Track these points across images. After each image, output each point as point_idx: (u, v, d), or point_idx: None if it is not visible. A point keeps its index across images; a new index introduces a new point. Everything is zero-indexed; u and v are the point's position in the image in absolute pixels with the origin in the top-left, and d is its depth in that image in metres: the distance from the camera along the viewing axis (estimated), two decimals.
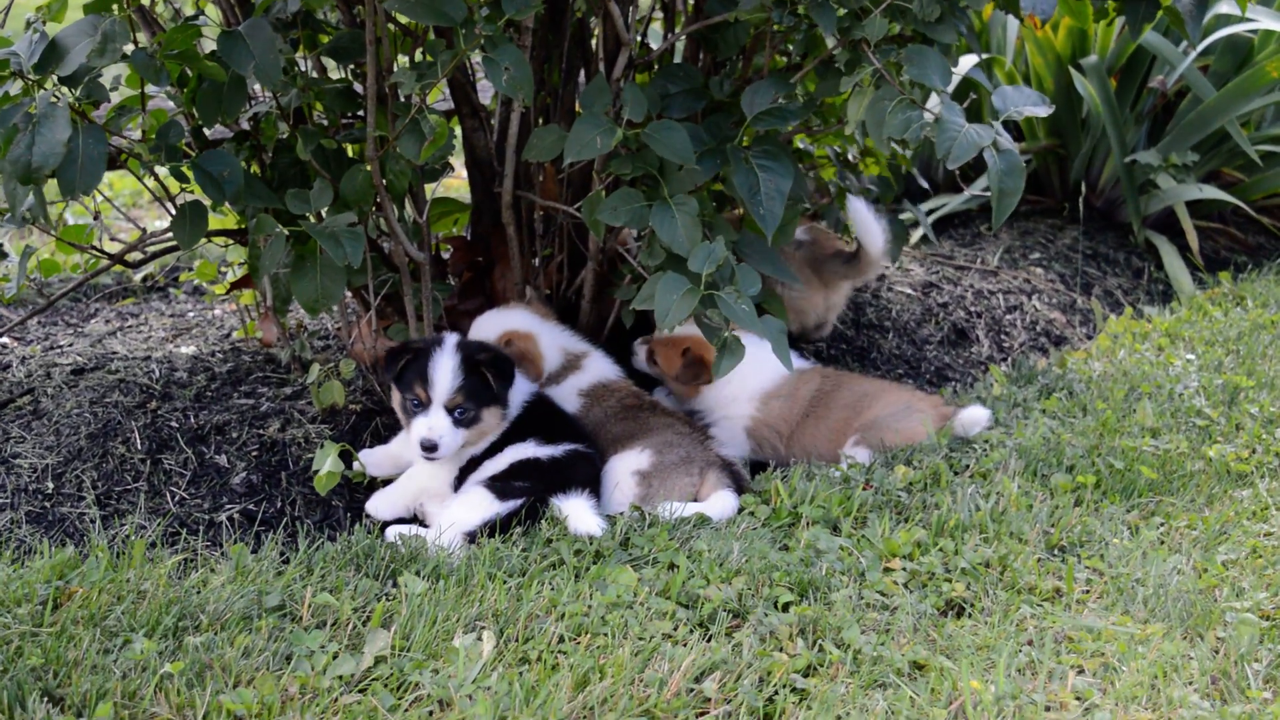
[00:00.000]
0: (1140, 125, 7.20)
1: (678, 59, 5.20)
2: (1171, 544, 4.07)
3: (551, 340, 4.65)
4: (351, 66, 4.63)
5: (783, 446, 4.75)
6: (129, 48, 3.83)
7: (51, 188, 5.39)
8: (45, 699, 3.10)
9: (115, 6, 3.88)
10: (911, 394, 4.81)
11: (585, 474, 4.25)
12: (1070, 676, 3.34)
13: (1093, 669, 3.40)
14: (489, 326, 4.64)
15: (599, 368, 4.69)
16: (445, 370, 4.11)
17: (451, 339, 4.17)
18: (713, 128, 4.40)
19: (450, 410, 4.12)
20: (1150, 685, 3.32)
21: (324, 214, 4.21)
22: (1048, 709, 3.24)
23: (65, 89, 3.79)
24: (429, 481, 4.24)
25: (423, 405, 4.13)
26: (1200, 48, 6.97)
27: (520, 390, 4.33)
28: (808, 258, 5.31)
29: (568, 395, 4.60)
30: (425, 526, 4.13)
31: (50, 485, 4.16)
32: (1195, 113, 6.94)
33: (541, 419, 4.35)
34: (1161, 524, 4.19)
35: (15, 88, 3.79)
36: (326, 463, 4.15)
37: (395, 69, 4.18)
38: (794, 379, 4.75)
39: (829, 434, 4.70)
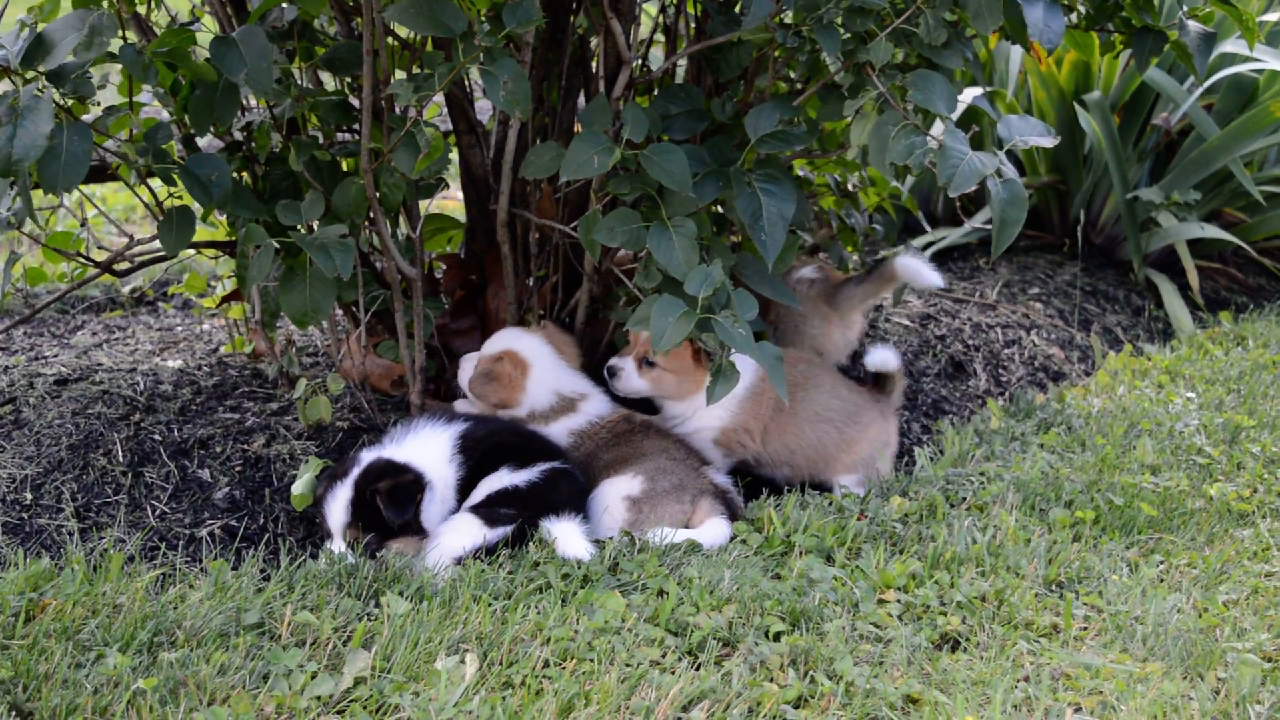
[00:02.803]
0: (1143, 162, 7.16)
1: (679, 81, 5.14)
2: (1171, 582, 3.99)
3: (544, 376, 4.50)
4: (348, 79, 4.57)
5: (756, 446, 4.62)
6: (116, 43, 3.76)
7: (38, 195, 5.32)
8: (14, 713, 3.01)
9: (104, 1, 3.82)
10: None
11: (568, 491, 4.15)
12: (1068, 714, 3.26)
13: (1091, 707, 3.32)
14: (496, 340, 4.53)
15: (595, 409, 4.53)
16: (337, 505, 3.94)
17: (356, 470, 3.97)
18: (714, 150, 4.34)
19: (350, 545, 3.94)
20: None
21: (315, 226, 4.14)
22: None
23: (51, 84, 3.71)
24: None
25: (329, 536, 3.98)
26: (1204, 86, 6.93)
27: (447, 438, 4.18)
28: (821, 293, 5.24)
29: (559, 435, 4.46)
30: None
31: (29, 496, 4.07)
32: (1198, 151, 6.89)
33: (504, 446, 4.21)
34: (1161, 562, 4.11)
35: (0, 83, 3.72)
36: (301, 481, 4.08)
37: (392, 81, 4.12)
38: (759, 377, 4.56)
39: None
